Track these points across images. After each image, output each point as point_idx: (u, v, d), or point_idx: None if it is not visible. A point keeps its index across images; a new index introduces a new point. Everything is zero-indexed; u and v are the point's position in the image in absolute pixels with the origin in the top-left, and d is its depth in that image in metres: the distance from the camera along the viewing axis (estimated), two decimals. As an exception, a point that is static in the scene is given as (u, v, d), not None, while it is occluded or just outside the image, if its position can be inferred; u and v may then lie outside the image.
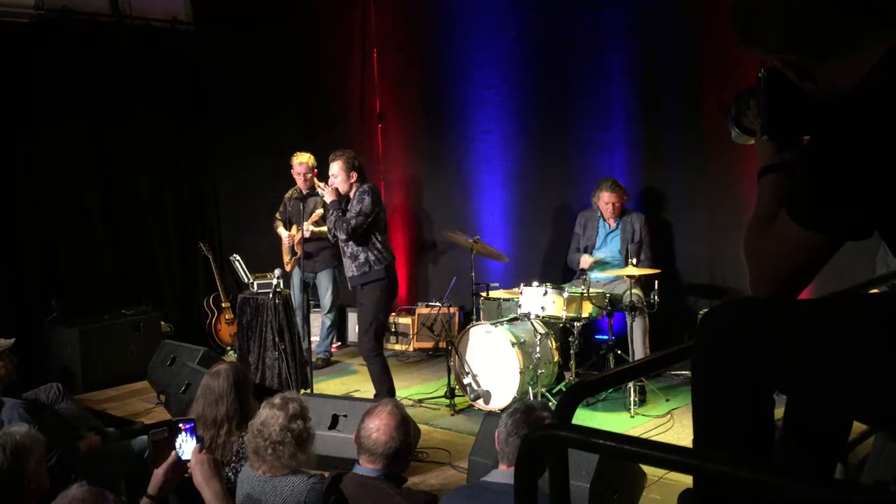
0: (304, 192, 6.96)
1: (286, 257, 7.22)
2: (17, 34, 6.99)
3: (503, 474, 2.84)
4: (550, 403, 5.71)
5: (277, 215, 7.35)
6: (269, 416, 3.08)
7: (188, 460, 2.79)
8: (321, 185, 5.72)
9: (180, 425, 2.85)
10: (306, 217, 6.74)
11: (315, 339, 7.54)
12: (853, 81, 1.50)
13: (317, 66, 8.30)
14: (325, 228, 6.61)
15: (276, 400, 3.17)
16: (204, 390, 3.67)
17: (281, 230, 7.25)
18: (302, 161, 6.88)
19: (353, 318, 7.92)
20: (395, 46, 8.42)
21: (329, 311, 7.40)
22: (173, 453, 2.78)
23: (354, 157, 5.64)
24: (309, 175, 6.88)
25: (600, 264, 6.34)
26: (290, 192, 7.22)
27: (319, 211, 6.93)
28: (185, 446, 2.81)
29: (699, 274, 6.65)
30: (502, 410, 5.57)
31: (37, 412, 4.53)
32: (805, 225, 1.53)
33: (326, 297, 7.34)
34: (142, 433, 5.22)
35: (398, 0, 8.42)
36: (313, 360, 7.32)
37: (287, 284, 6.52)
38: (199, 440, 2.88)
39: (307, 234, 6.75)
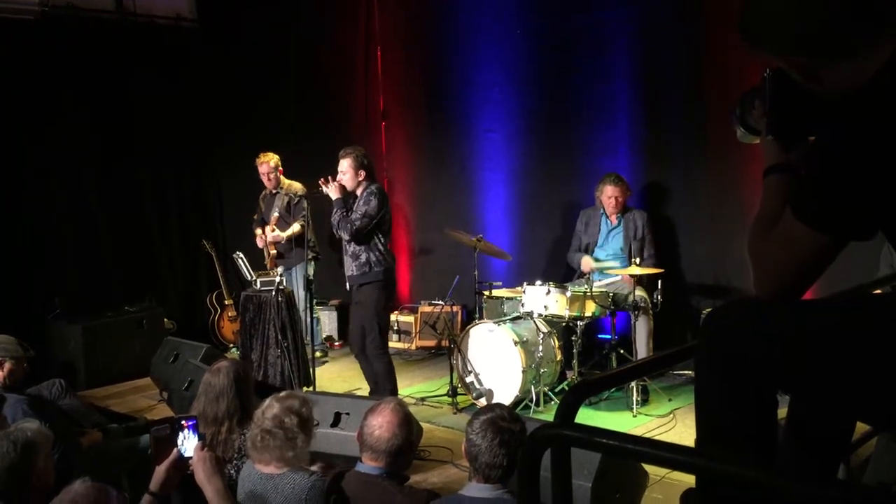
0: (272, 191, 7.17)
1: (267, 256, 7.25)
2: (21, 31, 7.00)
3: (479, 488, 2.79)
4: (553, 402, 5.73)
5: (255, 216, 7.39)
6: (267, 405, 3.10)
7: (190, 457, 2.79)
8: (327, 182, 5.64)
9: (183, 422, 2.85)
10: (269, 217, 6.94)
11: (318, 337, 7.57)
12: (859, 83, 1.50)
13: (320, 63, 8.31)
14: (292, 231, 6.71)
15: (282, 394, 3.19)
16: (205, 387, 3.68)
17: (257, 231, 7.28)
18: (263, 161, 7.10)
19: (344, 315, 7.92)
20: (399, 45, 8.42)
21: (306, 307, 7.37)
22: (175, 450, 2.78)
23: (364, 155, 5.60)
24: (273, 175, 7.08)
25: (602, 268, 6.31)
26: (264, 191, 7.31)
27: (275, 214, 7.00)
28: (187, 443, 2.81)
29: (703, 273, 6.64)
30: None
31: (39, 408, 4.54)
32: (810, 225, 1.53)
33: (301, 292, 7.32)
34: (144, 430, 5.23)
35: (402, -2, 8.42)
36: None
37: (307, 285, 6.55)
38: (202, 437, 2.88)
39: (270, 240, 7.00)
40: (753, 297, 1.67)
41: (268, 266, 7.07)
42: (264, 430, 3.02)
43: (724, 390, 1.66)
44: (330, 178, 5.60)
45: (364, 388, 6.19)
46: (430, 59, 8.17)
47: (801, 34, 1.55)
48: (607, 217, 6.43)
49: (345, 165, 5.56)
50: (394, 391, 5.64)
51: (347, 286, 5.81)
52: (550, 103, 7.29)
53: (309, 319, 7.36)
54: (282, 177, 7.17)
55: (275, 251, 7.01)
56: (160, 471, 2.76)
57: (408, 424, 3.11)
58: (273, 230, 7.05)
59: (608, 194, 6.32)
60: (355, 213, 5.48)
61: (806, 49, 1.56)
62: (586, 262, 6.31)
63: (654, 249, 6.38)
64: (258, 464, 3.07)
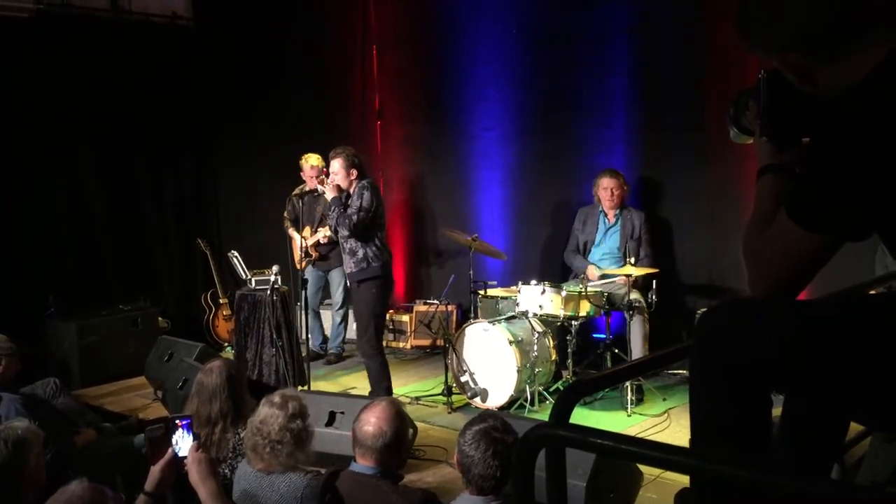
0: (313, 192, 7.02)
1: (297, 255, 7.22)
2: (16, 29, 6.98)
3: (472, 500, 2.77)
4: (547, 402, 5.73)
5: (286, 214, 7.36)
6: (268, 414, 3.08)
7: (185, 457, 2.79)
8: (324, 182, 5.70)
9: (177, 421, 2.84)
10: (318, 219, 6.82)
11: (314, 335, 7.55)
12: (854, 83, 1.50)
13: (316, 62, 8.30)
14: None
15: (276, 398, 3.17)
16: (198, 387, 3.67)
17: (293, 232, 7.24)
18: (313, 164, 6.96)
19: (351, 315, 7.92)
20: (395, 42, 8.42)
21: (340, 308, 7.42)
22: (170, 450, 2.78)
23: (354, 154, 5.65)
24: (319, 178, 6.94)
25: (605, 276, 6.30)
26: (296, 189, 7.24)
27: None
28: (182, 443, 2.81)
29: (699, 273, 6.65)
30: (500, 408, 5.58)
31: (34, 407, 4.53)
32: (805, 226, 1.53)
33: (338, 294, 7.37)
34: (138, 429, 5.23)
35: (398, -4, 8.42)
36: (327, 354, 7.42)
37: (303, 284, 6.53)
38: (196, 437, 2.87)
39: (324, 241, 6.92)
40: (748, 297, 1.67)
41: (299, 267, 7.06)
42: (273, 440, 3.02)
43: (718, 390, 1.66)
44: (325, 180, 5.66)
45: (359, 388, 6.19)
46: (427, 58, 8.17)
47: (798, 32, 1.56)
48: (605, 215, 6.43)
49: (336, 166, 5.60)
50: (389, 391, 5.65)
51: (348, 283, 5.83)
52: (548, 102, 7.29)
53: (338, 321, 7.43)
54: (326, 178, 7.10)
55: (316, 253, 6.95)
56: (155, 471, 2.75)
57: (398, 421, 3.10)
58: (325, 233, 6.99)
59: (604, 185, 6.31)
60: (351, 208, 5.52)
61: (803, 47, 1.57)
62: (592, 272, 6.28)
63: (651, 250, 6.37)
64: (258, 467, 3.07)
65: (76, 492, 2.40)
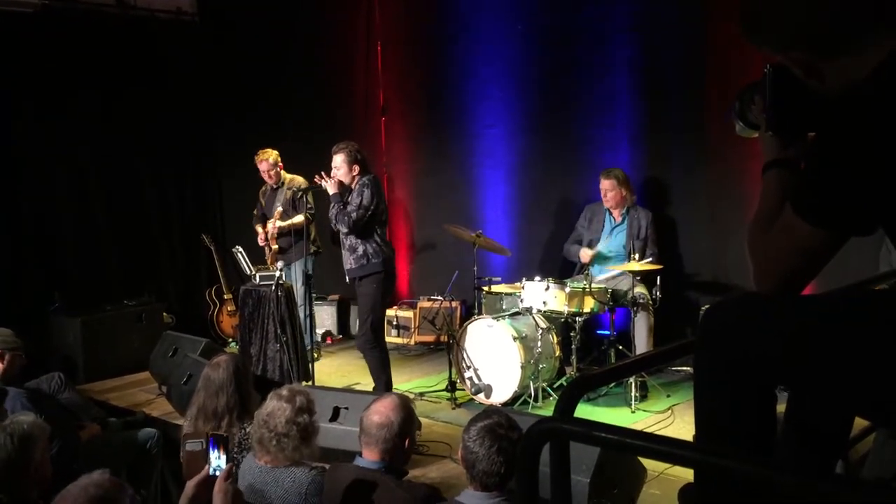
0: (274, 186, 7.14)
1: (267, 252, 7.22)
2: (21, 23, 6.99)
3: (477, 496, 2.77)
4: (551, 398, 5.73)
5: (255, 212, 7.37)
6: (275, 407, 3.09)
7: (213, 476, 2.70)
8: (323, 177, 5.68)
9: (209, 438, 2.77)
10: (272, 212, 6.87)
11: (319, 331, 7.55)
12: (859, 79, 1.50)
13: (320, 58, 8.30)
14: (293, 221, 6.64)
15: (284, 392, 3.18)
16: (204, 382, 3.69)
17: (258, 227, 7.24)
18: (262, 159, 7.03)
19: (354, 311, 7.91)
20: (399, 39, 8.41)
21: (301, 304, 7.32)
22: (206, 467, 2.70)
23: (357, 149, 5.64)
24: (272, 171, 7.02)
25: (600, 258, 6.31)
26: (263, 187, 7.27)
27: (279, 209, 6.94)
28: (208, 457, 2.75)
29: (702, 269, 6.63)
30: (504, 404, 5.59)
31: (39, 401, 4.56)
32: (810, 221, 1.53)
33: (299, 289, 7.27)
34: (143, 424, 5.25)
35: (402, -7, 8.41)
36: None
37: (307, 279, 6.53)
38: (231, 460, 2.76)
39: (273, 231, 6.89)
40: (752, 293, 1.67)
41: (268, 262, 7.05)
42: (280, 433, 3.02)
43: (722, 386, 1.66)
44: (324, 173, 5.64)
45: (363, 383, 6.20)
46: (431, 55, 8.16)
47: (802, 29, 1.56)
48: (611, 214, 6.42)
49: (338, 161, 5.60)
50: (388, 385, 5.65)
51: (347, 280, 5.83)
52: (551, 99, 7.27)
53: (303, 316, 7.35)
54: (283, 172, 7.14)
55: (276, 246, 6.95)
56: (190, 486, 2.70)
57: (402, 411, 3.11)
58: (274, 223, 7.00)
59: (601, 186, 6.31)
60: (350, 205, 5.52)
61: (807, 44, 1.57)
62: (585, 254, 6.29)
63: (657, 249, 6.35)
64: (264, 461, 3.08)
65: (95, 480, 2.39)
